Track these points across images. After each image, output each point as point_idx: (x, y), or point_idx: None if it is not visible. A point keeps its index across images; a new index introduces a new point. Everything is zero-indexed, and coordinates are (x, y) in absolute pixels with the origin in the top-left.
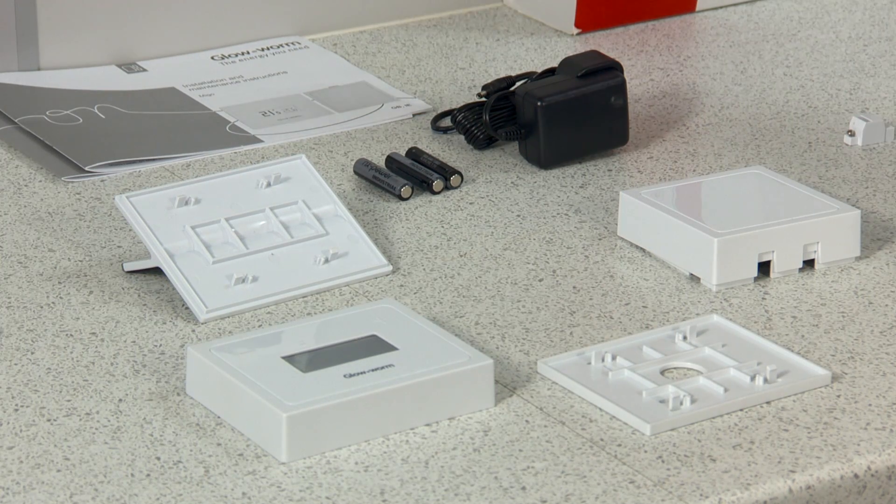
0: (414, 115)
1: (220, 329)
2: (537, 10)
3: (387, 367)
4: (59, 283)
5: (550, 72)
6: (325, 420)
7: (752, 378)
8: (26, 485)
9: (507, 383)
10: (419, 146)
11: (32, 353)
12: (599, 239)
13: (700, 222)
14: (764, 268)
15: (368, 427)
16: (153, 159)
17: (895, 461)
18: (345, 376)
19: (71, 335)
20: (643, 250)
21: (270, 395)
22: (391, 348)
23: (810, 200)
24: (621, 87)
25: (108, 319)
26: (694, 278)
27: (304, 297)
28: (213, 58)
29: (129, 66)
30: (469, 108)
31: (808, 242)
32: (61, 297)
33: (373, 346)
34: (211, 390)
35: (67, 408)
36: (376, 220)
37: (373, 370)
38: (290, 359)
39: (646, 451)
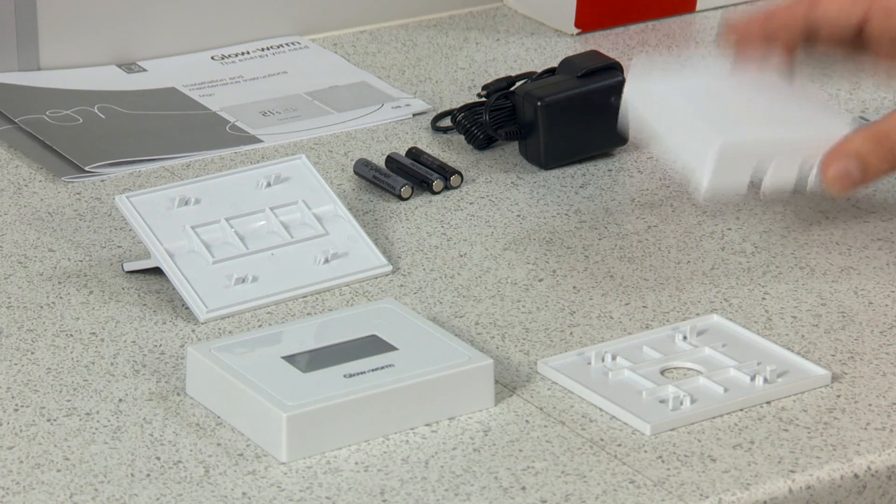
0: (414, 115)
1: (220, 329)
2: (537, 10)
3: (387, 367)
4: (59, 283)
5: (550, 72)
6: (325, 420)
7: (752, 378)
8: (26, 485)
9: (507, 383)
10: (419, 146)
11: (32, 353)
12: (599, 239)
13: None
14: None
15: (368, 427)
16: (153, 159)
17: (895, 461)
18: (345, 376)
19: (71, 335)
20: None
21: (270, 395)
22: (391, 348)
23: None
24: (621, 87)
25: (108, 319)
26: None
27: (304, 297)
28: (213, 58)
29: (129, 66)
30: (469, 108)
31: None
32: (61, 297)
33: (373, 346)
34: (211, 390)
35: (67, 408)
36: (376, 220)
37: (373, 370)
38: (290, 359)
39: (646, 451)
